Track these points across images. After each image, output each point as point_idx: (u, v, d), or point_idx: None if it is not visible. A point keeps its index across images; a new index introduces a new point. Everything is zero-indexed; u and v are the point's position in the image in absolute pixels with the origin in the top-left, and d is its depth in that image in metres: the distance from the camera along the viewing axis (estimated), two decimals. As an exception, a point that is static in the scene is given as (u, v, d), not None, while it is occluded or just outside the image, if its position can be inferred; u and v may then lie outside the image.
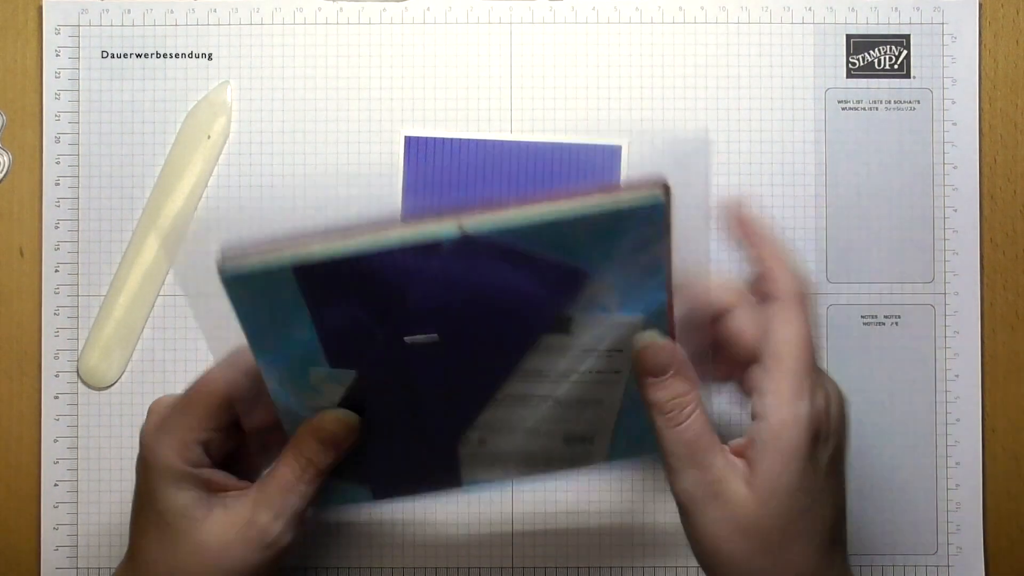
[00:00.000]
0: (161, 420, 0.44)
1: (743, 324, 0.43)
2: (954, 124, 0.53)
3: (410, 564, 0.53)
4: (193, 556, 0.44)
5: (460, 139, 0.53)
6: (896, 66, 0.53)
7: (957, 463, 0.53)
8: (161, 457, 0.43)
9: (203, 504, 0.44)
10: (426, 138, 0.53)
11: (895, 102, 0.53)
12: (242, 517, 0.44)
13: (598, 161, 0.53)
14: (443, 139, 0.53)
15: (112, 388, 0.53)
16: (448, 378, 0.42)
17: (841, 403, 0.42)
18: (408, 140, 0.53)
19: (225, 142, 0.53)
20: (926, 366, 0.53)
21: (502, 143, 0.53)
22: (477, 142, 0.53)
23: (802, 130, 0.53)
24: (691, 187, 0.42)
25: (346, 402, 0.42)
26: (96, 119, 0.53)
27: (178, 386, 0.52)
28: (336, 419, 0.44)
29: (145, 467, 0.44)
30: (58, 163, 0.53)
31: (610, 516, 0.53)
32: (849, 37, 0.53)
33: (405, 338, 0.40)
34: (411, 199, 0.53)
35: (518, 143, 0.53)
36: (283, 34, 0.53)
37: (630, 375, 0.42)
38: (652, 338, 0.41)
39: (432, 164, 0.53)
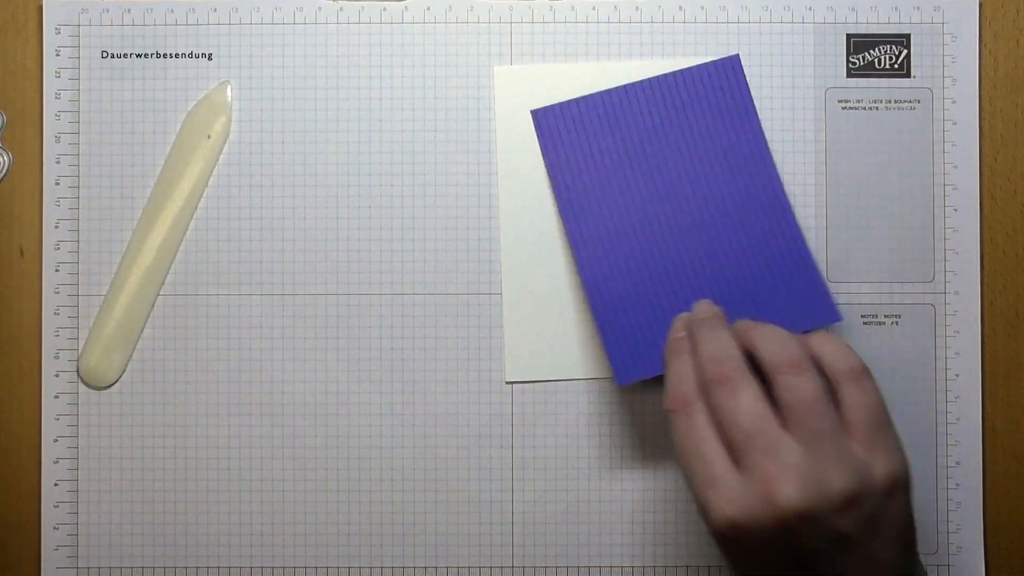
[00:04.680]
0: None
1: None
2: (954, 124, 0.53)
3: (411, 564, 0.53)
4: None
5: (583, 97, 0.52)
6: (896, 66, 0.53)
7: (957, 463, 0.53)
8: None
9: None
10: (551, 106, 0.52)
11: (895, 102, 0.53)
12: None
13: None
14: (568, 102, 0.52)
15: (112, 388, 0.53)
16: None
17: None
18: (535, 113, 0.52)
19: (225, 142, 0.53)
20: (926, 366, 0.53)
21: (626, 88, 0.52)
22: (602, 94, 0.52)
23: (802, 130, 0.53)
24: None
25: None
26: (96, 119, 0.53)
27: (178, 386, 0.52)
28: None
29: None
30: (58, 163, 0.53)
31: (611, 515, 0.53)
32: (849, 36, 0.53)
33: None
34: (555, 170, 0.52)
35: (639, 83, 0.52)
36: (283, 34, 0.53)
37: None
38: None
39: (563, 130, 0.52)
